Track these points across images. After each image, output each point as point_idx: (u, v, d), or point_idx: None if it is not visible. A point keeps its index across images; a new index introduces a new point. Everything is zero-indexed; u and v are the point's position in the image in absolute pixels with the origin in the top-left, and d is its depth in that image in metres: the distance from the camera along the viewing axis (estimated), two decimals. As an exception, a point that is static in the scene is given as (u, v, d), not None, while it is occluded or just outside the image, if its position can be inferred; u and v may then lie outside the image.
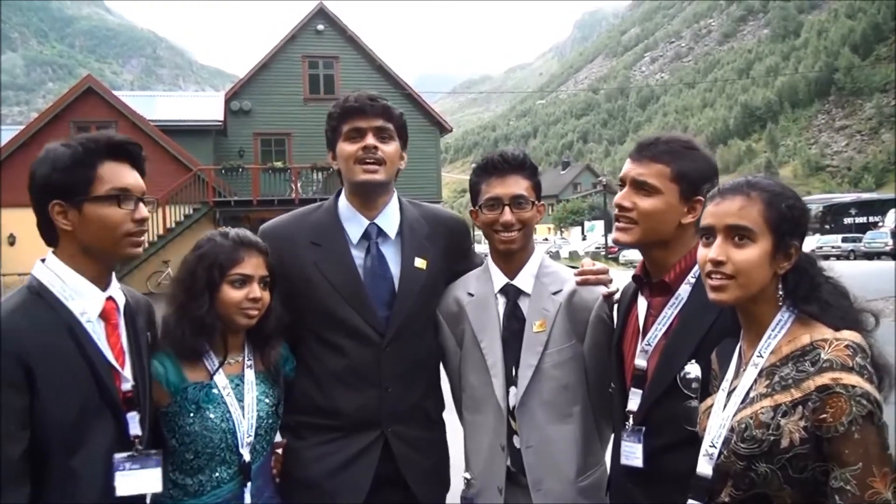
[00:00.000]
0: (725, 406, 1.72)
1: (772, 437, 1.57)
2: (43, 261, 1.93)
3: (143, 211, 1.96)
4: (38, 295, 1.85)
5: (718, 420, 1.71)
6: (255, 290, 2.24)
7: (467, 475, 2.53)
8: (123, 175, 1.93)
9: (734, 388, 1.73)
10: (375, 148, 2.44)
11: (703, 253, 1.74)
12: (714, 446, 1.69)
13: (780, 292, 1.72)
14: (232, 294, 2.23)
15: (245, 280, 2.24)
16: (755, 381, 1.68)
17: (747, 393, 1.68)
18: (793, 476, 1.56)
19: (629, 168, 2.13)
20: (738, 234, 1.68)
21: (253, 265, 2.26)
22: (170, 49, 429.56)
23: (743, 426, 1.63)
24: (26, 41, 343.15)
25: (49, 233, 1.93)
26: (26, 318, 1.79)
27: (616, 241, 2.16)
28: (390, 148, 2.49)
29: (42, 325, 1.80)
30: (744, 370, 1.73)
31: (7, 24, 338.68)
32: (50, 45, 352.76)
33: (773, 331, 1.70)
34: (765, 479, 1.58)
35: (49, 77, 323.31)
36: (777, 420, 1.58)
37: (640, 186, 2.08)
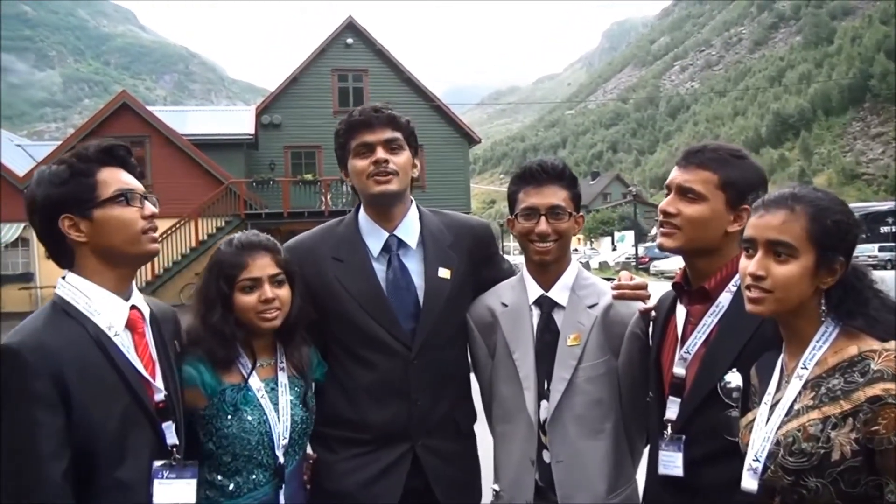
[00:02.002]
0: (768, 419, 1.68)
1: (822, 451, 1.53)
2: (64, 278, 1.93)
3: (151, 207, 1.99)
4: (64, 311, 1.86)
5: (762, 434, 1.67)
6: (266, 292, 2.26)
7: (496, 487, 2.50)
8: (122, 177, 1.96)
9: (777, 402, 1.69)
10: (386, 161, 2.42)
11: (744, 264, 1.71)
12: (758, 460, 1.64)
13: (823, 307, 1.67)
14: (244, 300, 2.26)
15: (254, 284, 2.26)
16: (799, 393, 1.64)
17: (791, 405, 1.64)
18: (845, 490, 1.51)
19: (675, 175, 2.10)
20: (779, 250, 1.63)
21: (259, 267, 2.27)
22: (202, 65, 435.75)
23: (790, 439, 1.58)
24: (63, 59, 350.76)
25: (61, 253, 1.94)
26: (54, 336, 1.78)
27: (660, 247, 2.14)
28: (401, 158, 2.46)
29: (71, 341, 1.80)
30: (787, 382, 1.68)
31: (45, 43, 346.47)
32: (86, 62, 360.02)
33: (817, 342, 1.65)
34: (815, 494, 1.53)
35: (85, 94, 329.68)
36: (827, 433, 1.53)
37: (686, 193, 2.06)
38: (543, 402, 2.38)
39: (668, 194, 2.13)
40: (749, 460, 1.68)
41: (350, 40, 31.32)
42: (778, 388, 1.72)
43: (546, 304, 2.45)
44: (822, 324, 1.66)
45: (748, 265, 1.68)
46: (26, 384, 1.71)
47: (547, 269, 2.46)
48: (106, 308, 1.90)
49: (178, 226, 23.70)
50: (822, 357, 1.63)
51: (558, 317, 2.44)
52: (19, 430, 1.70)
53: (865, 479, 1.51)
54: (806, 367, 1.65)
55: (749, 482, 1.66)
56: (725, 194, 2.04)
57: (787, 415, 1.64)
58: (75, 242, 1.91)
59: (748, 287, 1.69)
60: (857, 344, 1.60)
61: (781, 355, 1.76)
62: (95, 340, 1.84)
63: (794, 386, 1.65)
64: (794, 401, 1.64)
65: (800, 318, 1.68)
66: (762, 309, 1.67)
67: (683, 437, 2.03)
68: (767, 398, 1.73)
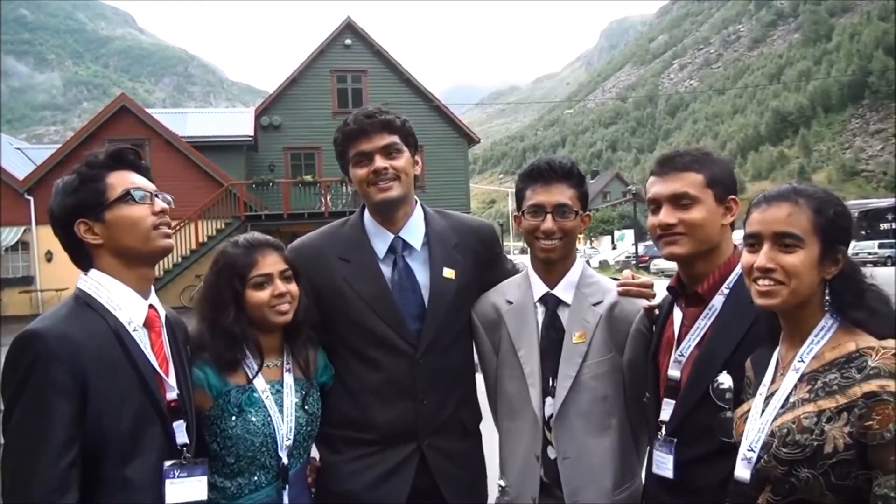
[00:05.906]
0: (763, 411, 1.71)
1: (815, 443, 1.56)
2: (86, 274, 1.97)
3: (160, 203, 2.02)
4: (87, 305, 1.89)
5: (756, 425, 1.70)
6: (279, 286, 2.29)
7: (502, 482, 2.51)
8: (131, 178, 2.00)
9: (772, 393, 1.72)
10: (385, 169, 2.41)
11: (748, 259, 1.73)
12: (752, 451, 1.68)
13: (827, 297, 1.70)
14: (258, 296, 2.28)
15: (266, 279, 2.29)
16: (795, 385, 1.67)
17: (787, 398, 1.67)
18: (835, 482, 1.54)
19: (661, 186, 2.12)
20: (786, 241, 1.67)
21: (269, 263, 2.31)
22: (201, 67, 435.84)
23: (785, 431, 1.61)
24: (62, 62, 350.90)
25: (82, 257, 1.98)
26: (77, 327, 1.82)
27: (668, 257, 2.13)
28: (401, 162, 2.46)
29: (93, 333, 1.83)
30: (782, 375, 1.72)
31: (44, 46, 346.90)
32: (85, 65, 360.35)
33: (815, 336, 1.69)
34: (806, 485, 1.57)
35: (84, 97, 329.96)
36: (821, 425, 1.57)
37: (680, 199, 2.08)
38: (548, 399, 2.39)
39: (654, 209, 2.15)
40: (743, 450, 1.71)
41: (349, 41, 31.35)
42: (773, 380, 1.75)
43: (551, 302, 2.46)
44: (822, 317, 1.70)
45: (753, 259, 1.71)
46: (48, 370, 1.73)
47: (552, 266, 2.46)
48: (126, 304, 1.94)
49: (178, 228, 23.70)
50: (819, 352, 1.67)
51: (563, 314, 2.45)
52: (34, 415, 1.72)
53: (855, 473, 1.54)
54: (803, 361, 1.68)
55: (742, 471, 1.69)
56: (713, 190, 2.09)
57: (782, 407, 1.66)
58: (92, 246, 1.95)
59: (755, 280, 1.71)
60: (854, 340, 1.63)
61: (778, 348, 1.79)
62: (115, 334, 1.87)
63: (790, 378, 1.68)
64: (790, 393, 1.67)
65: (805, 310, 1.70)
66: (775, 301, 1.69)
67: (675, 440, 2.06)
68: (762, 389, 1.76)
